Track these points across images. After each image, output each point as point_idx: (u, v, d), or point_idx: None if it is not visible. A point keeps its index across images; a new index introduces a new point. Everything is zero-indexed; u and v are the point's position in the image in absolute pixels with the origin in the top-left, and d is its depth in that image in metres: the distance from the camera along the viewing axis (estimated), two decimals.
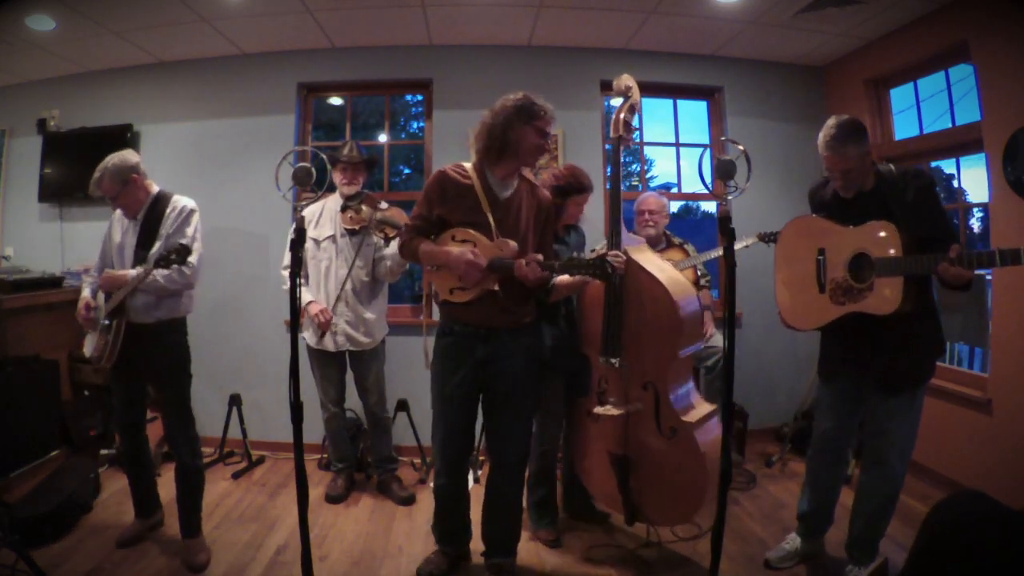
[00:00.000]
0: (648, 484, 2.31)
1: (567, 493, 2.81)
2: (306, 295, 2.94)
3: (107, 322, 2.34)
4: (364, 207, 2.91)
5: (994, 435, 2.78)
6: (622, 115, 2.33)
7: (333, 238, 2.97)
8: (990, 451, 2.78)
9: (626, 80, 2.38)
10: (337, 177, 2.99)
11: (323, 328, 2.90)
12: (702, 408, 2.33)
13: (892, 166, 2.07)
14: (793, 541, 2.38)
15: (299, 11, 3.26)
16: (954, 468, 3.00)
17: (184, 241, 2.30)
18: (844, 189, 2.08)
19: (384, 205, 2.93)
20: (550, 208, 2.20)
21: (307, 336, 2.98)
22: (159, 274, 2.28)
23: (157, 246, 2.32)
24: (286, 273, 2.99)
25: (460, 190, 2.10)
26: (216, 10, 3.22)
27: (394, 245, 2.78)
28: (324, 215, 3.01)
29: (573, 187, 2.53)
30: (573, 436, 2.58)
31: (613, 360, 2.26)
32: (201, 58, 3.81)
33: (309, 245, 2.98)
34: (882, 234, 1.96)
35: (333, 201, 3.02)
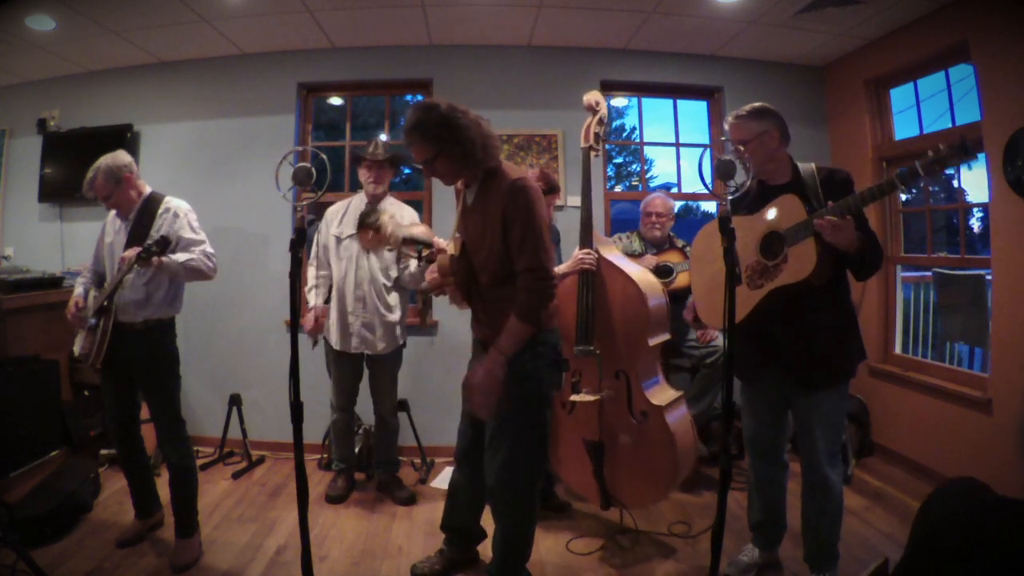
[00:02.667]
0: (622, 468, 2.46)
1: None
2: (311, 299, 3.00)
3: (94, 321, 2.34)
4: (384, 222, 2.48)
5: (994, 435, 2.78)
6: (592, 128, 2.54)
7: (354, 237, 2.95)
8: (990, 451, 2.78)
9: (595, 96, 2.58)
10: (363, 175, 2.98)
11: (311, 335, 2.97)
12: (669, 393, 2.52)
13: (814, 165, 2.10)
14: (750, 552, 2.35)
15: (299, 11, 3.26)
16: (954, 468, 3.00)
17: (196, 236, 2.40)
18: (743, 169, 2.08)
19: (407, 218, 2.89)
20: (507, 197, 1.83)
21: (331, 338, 2.99)
22: (199, 256, 2.35)
23: (153, 240, 2.29)
24: (312, 270, 3.06)
25: (457, 200, 2.14)
26: (216, 10, 3.22)
27: (413, 264, 2.75)
28: (349, 213, 3.02)
29: (541, 189, 2.61)
30: None
31: (588, 348, 2.40)
32: (201, 58, 3.82)
33: (331, 242, 3.01)
34: (786, 207, 1.99)
35: (359, 199, 3.03)
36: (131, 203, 2.43)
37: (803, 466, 2.17)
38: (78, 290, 2.48)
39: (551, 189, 2.69)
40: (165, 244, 2.23)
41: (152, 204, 2.43)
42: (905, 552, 0.89)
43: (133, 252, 2.21)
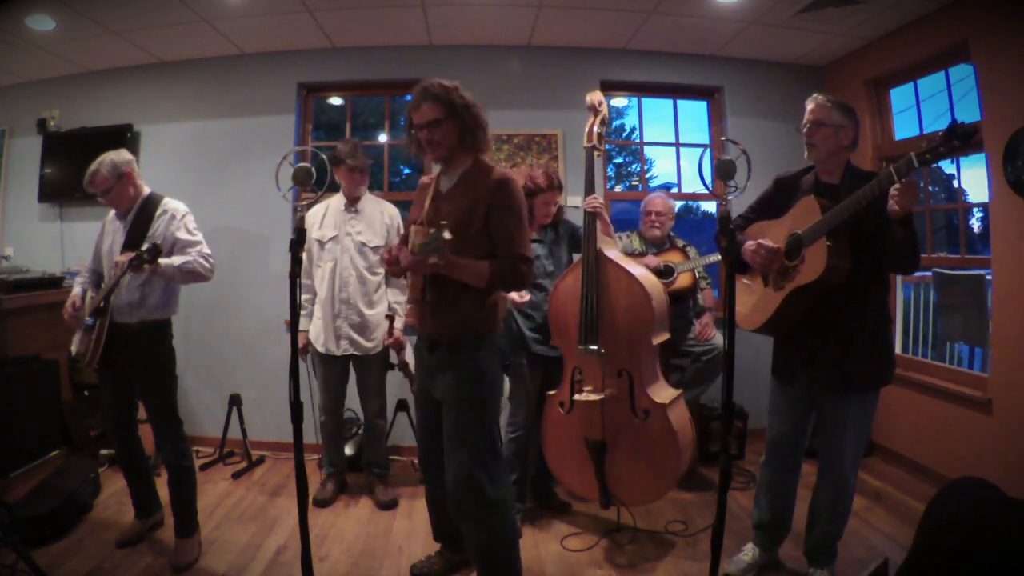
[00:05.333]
0: (624, 466, 2.46)
1: (533, 484, 2.88)
2: (302, 322, 2.94)
3: (90, 321, 2.34)
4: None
5: (994, 435, 2.78)
6: (595, 128, 2.56)
7: (337, 239, 2.96)
8: (990, 451, 2.78)
9: (597, 95, 2.59)
10: (342, 179, 2.97)
11: (303, 355, 2.97)
12: (670, 391, 2.54)
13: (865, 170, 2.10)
14: (751, 552, 2.34)
15: (299, 11, 3.26)
16: (954, 468, 3.00)
17: (193, 238, 2.41)
18: (808, 148, 2.09)
19: (387, 216, 3.02)
20: (494, 191, 1.89)
21: (317, 342, 2.98)
22: (194, 259, 2.36)
23: (145, 248, 2.26)
24: (306, 281, 3.02)
25: (422, 192, 2.12)
26: (216, 10, 3.22)
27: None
28: (328, 216, 3.00)
29: (540, 187, 2.67)
30: (543, 428, 2.65)
31: (593, 347, 2.40)
32: (201, 58, 3.82)
33: (313, 247, 2.97)
34: (805, 208, 2.01)
35: (337, 200, 3.02)
36: (129, 201, 2.43)
37: (824, 467, 2.17)
38: (76, 290, 2.49)
39: (552, 186, 2.70)
40: (156, 253, 2.20)
41: (150, 205, 2.44)
42: (910, 550, 0.89)
43: (126, 258, 2.21)
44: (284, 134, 3.77)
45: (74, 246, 3.83)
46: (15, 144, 4.00)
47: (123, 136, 3.73)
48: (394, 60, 3.81)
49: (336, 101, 4.29)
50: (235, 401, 3.55)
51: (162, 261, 2.25)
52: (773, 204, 2.21)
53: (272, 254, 3.75)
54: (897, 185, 1.75)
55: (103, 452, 3.34)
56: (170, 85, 3.86)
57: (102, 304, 2.32)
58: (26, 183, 3.94)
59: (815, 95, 2.09)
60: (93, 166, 2.37)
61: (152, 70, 3.87)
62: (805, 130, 2.08)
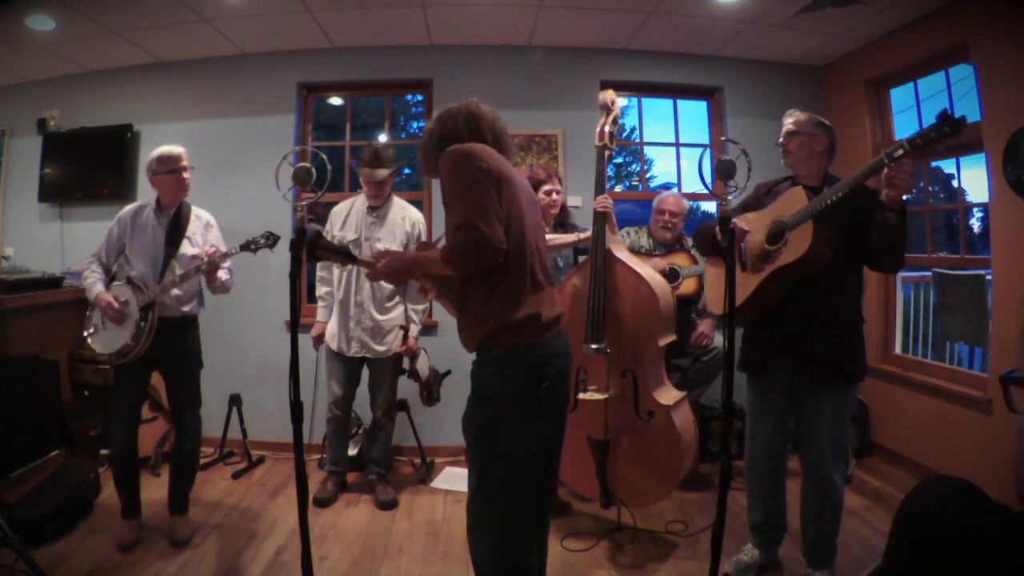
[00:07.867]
0: (626, 466, 2.48)
1: None
2: (320, 313, 3.11)
3: (140, 315, 2.41)
4: (419, 370, 2.98)
5: (994, 435, 2.78)
6: (606, 127, 2.57)
7: (357, 241, 2.95)
8: (990, 451, 2.78)
9: (610, 95, 2.60)
10: (363, 183, 2.97)
11: (315, 345, 3.12)
12: (674, 393, 2.55)
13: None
14: (750, 552, 2.35)
15: (299, 11, 3.26)
16: (954, 468, 3.00)
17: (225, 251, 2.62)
18: (783, 156, 2.20)
19: (410, 221, 3.01)
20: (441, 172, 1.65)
21: (331, 341, 3.02)
22: (230, 277, 2.61)
23: (185, 245, 2.53)
24: (320, 284, 3.12)
25: None
26: (216, 10, 3.22)
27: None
28: (351, 216, 3.00)
29: (540, 179, 2.82)
30: None
31: (598, 346, 2.40)
32: (201, 58, 3.82)
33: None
34: (792, 197, 2.07)
35: (361, 201, 3.02)
36: (181, 196, 2.56)
37: (805, 465, 2.18)
38: (99, 287, 2.45)
39: (551, 176, 2.80)
40: (273, 239, 2.50)
41: (185, 206, 2.59)
42: (885, 553, 0.85)
43: (210, 250, 2.46)
44: (284, 134, 3.77)
45: (74, 246, 3.83)
46: (15, 144, 4.00)
47: (123, 136, 3.74)
48: (394, 60, 3.81)
49: (336, 101, 4.29)
50: (235, 401, 3.55)
51: (222, 273, 2.52)
52: (753, 210, 2.27)
53: (272, 254, 3.72)
54: (889, 167, 1.80)
55: (103, 452, 3.33)
56: (170, 85, 3.86)
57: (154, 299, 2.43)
58: (26, 183, 3.94)
59: (790, 111, 2.20)
60: (173, 147, 2.51)
61: (152, 70, 3.87)
62: (781, 141, 2.19)
